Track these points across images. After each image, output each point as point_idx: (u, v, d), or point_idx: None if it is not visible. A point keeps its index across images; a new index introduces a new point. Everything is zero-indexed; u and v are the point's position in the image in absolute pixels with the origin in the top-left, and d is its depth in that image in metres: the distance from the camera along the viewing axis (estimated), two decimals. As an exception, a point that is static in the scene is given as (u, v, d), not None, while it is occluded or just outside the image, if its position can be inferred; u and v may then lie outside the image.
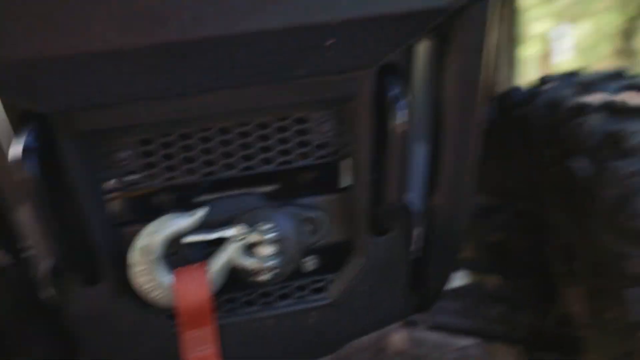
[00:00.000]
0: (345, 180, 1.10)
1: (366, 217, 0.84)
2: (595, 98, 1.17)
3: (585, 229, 1.10)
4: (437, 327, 1.31)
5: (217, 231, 0.76)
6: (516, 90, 1.35)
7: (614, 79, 1.25)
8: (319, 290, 0.90)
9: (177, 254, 0.79)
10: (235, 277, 0.83)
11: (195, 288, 0.72)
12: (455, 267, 0.99)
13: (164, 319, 0.85)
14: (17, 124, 0.70)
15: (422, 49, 0.83)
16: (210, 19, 0.61)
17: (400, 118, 0.73)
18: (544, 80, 1.33)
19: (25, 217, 0.77)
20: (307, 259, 0.90)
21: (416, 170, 0.94)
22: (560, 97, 1.20)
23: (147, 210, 0.98)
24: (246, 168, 0.81)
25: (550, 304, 1.41)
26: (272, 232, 0.76)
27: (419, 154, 0.97)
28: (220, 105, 0.74)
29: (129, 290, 0.83)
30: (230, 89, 0.68)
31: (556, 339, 1.40)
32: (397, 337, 2.27)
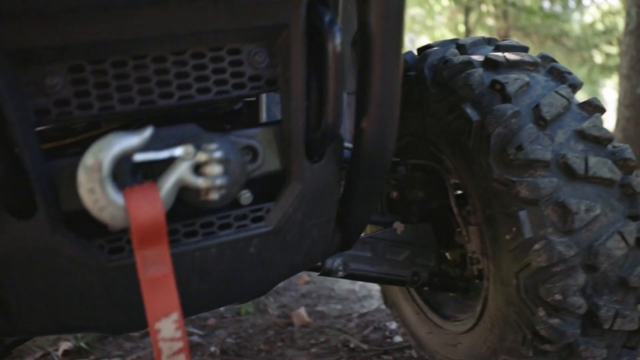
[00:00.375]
0: (269, 114, 1.15)
1: (302, 143, 0.89)
2: (476, 56, 1.34)
3: (478, 167, 1.25)
4: (351, 275, 1.40)
5: (166, 150, 0.77)
6: (407, 54, 1.49)
7: (484, 43, 1.44)
8: (258, 219, 0.93)
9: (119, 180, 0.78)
10: (179, 205, 0.84)
11: (147, 206, 0.73)
12: (377, 200, 1.07)
13: (102, 251, 0.84)
14: None
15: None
16: None
17: (336, 41, 0.80)
18: (429, 45, 1.48)
19: None
20: (243, 192, 0.93)
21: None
22: (447, 56, 1.36)
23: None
24: (183, 97, 0.83)
25: (448, 247, 1.56)
26: (219, 151, 0.79)
27: None
28: (153, 28, 0.75)
29: (64, 223, 0.80)
30: (173, 2, 0.70)
31: (454, 280, 1.56)
32: (300, 311, 2.34)
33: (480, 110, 1.24)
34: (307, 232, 1.00)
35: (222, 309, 2.48)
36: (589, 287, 1.14)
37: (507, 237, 1.20)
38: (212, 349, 2.08)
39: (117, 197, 0.73)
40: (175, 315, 0.75)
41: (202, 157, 0.78)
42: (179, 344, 0.76)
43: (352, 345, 2.04)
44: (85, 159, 0.72)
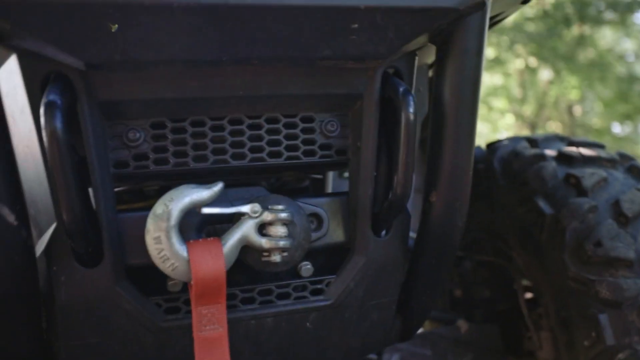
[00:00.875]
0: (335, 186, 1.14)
1: (368, 214, 0.87)
2: (549, 151, 1.31)
3: (551, 263, 1.18)
4: (409, 375, 1.30)
5: (234, 206, 0.77)
6: (475, 148, 1.48)
7: (556, 140, 1.42)
8: (318, 292, 0.90)
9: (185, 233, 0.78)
10: (239, 270, 0.82)
11: (210, 260, 0.71)
12: (443, 286, 1.01)
13: (159, 310, 0.82)
14: (41, 84, 0.71)
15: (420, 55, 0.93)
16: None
17: (410, 110, 0.80)
18: (498, 140, 1.47)
19: (35, 178, 0.75)
20: (303, 264, 0.91)
21: None
22: (518, 149, 1.34)
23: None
24: (255, 159, 0.84)
25: (516, 354, 1.44)
26: (285, 212, 0.78)
27: None
28: (235, 89, 0.79)
29: (125, 278, 0.80)
30: (256, 64, 0.74)
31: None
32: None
33: (554, 203, 1.19)
34: (367, 312, 0.95)
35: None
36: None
37: (586, 343, 1.10)
38: None
39: (182, 249, 0.72)
40: (225, 381, 0.71)
41: (268, 216, 0.77)
42: (227, 413, 0.71)
43: None
44: (156, 207, 0.73)
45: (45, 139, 0.68)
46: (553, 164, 1.24)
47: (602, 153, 1.27)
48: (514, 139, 1.45)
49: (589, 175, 1.19)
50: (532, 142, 1.37)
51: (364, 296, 0.92)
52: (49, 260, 0.77)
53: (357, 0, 0.72)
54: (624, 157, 1.31)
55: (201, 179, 0.84)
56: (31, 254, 0.75)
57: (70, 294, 0.78)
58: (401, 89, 0.81)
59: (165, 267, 0.72)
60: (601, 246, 1.08)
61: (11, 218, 0.70)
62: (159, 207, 0.72)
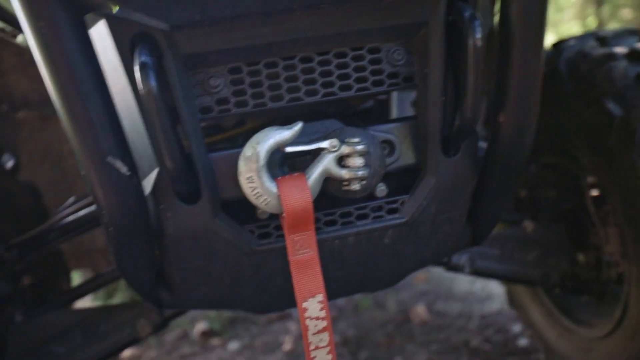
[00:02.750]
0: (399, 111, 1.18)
1: (438, 138, 0.92)
2: (620, 49, 1.27)
3: (620, 164, 1.19)
4: (477, 272, 1.39)
5: (315, 143, 0.83)
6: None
7: (628, 35, 1.36)
8: (393, 211, 0.97)
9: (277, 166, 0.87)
10: (321, 195, 0.90)
11: (297, 194, 0.79)
12: (512, 198, 1.06)
13: (254, 236, 0.92)
14: (130, 46, 0.77)
15: None
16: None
17: (477, 35, 0.81)
18: (564, 40, 1.43)
19: (133, 129, 0.83)
20: (378, 185, 0.97)
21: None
22: (585, 49, 1.30)
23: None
24: (327, 94, 0.89)
25: (582, 249, 1.50)
26: (361, 144, 0.84)
27: None
28: (304, 30, 0.82)
29: (221, 210, 0.90)
30: (324, 7, 0.76)
31: (588, 283, 1.49)
32: (420, 309, 2.35)
33: (624, 104, 1.18)
34: (439, 226, 1.02)
35: (341, 302, 2.56)
36: None
37: (653, 240, 1.14)
38: (335, 339, 2.16)
39: (272, 186, 0.80)
40: (321, 296, 0.82)
41: (346, 149, 0.84)
42: (324, 323, 0.82)
43: (473, 345, 2.01)
44: (245, 150, 0.80)
45: (143, 97, 0.75)
46: (623, 63, 1.21)
47: (676, 48, 1.22)
48: (582, 37, 1.41)
49: (662, 73, 1.16)
50: (601, 40, 1.33)
51: (436, 212, 0.99)
52: (156, 200, 0.87)
53: None
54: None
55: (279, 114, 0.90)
56: (142, 197, 0.85)
57: (176, 227, 0.88)
58: (467, 14, 0.82)
59: (259, 202, 0.81)
60: (672, 146, 1.09)
61: (124, 169, 0.80)
62: (248, 150, 0.80)
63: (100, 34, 0.79)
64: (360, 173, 0.84)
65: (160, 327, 1.24)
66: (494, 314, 2.29)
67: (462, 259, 1.38)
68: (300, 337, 2.20)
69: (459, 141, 0.93)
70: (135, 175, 0.83)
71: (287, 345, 2.16)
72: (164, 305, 1.02)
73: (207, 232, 0.89)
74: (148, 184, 0.86)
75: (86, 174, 0.80)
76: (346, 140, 0.85)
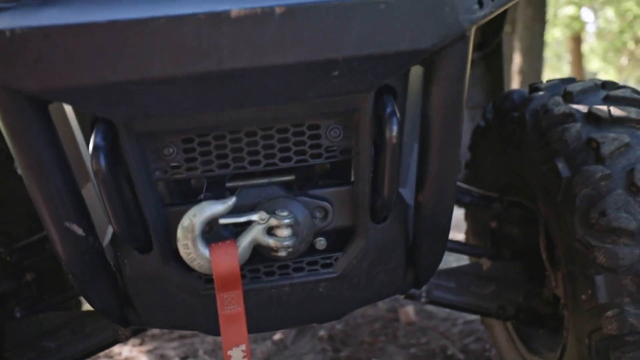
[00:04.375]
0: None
1: (366, 207, 1.02)
2: (580, 107, 1.31)
3: (563, 222, 1.26)
4: (434, 302, 1.50)
5: (245, 216, 0.96)
6: (515, 93, 1.50)
7: (597, 89, 1.39)
8: (327, 266, 1.09)
9: (212, 231, 1.00)
10: (259, 252, 1.03)
11: (227, 260, 0.93)
12: (443, 251, 1.16)
13: (200, 282, 1.06)
14: (89, 127, 0.91)
15: (416, 71, 0.99)
16: (243, 54, 0.80)
17: (392, 132, 0.91)
18: (539, 87, 1.47)
19: (95, 199, 0.98)
20: (318, 239, 1.09)
21: (412, 169, 1.13)
22: (550, 104, 1.35)
23: (187, 194, 1.19)
24: (269, 164, 1.01)
25: (537, 286, 1.58)
26: (288, 218, 0.96)
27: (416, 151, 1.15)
28: (248, 117, 0.93)
29: (174, 258, 1.04)
30: (257, 106, 0.87)
31: (543, 317, 1.58)
32: (408, 309, 2.47)
33: (571, 167, 1.24)
34: (375, 277, 1.14)
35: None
36: (661, 363, 1.12)
37: (583, 297, 1.22)
38: (321, 333, 2.32)
39: (205, 252, 0.94)
40: (244, 346, 0.96)
41: (273, 222, 0.96)
42: (245, 369, 0.96)
43: (449, 352, 2.14)
44: (183, 221, 0.93)
45: (94, 174, 0.89)
46: (578, 125, 1.26)
47: (632, 113, 1.26)
48: (552, 88, 1.45)
49: (610, 141, 1.21)
50: (566, 95, 1.37)
51: (369, 267, 1.11)
52: (114, 249, 1.02)
53: (335, 54, 0.81)
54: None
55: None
56: (97, 250, 1.00)
57: (132, 271, 1.04)
58: (387, 111, 0.91)
59: (193, 265, 0.95)
60: (605, 216, 1.15)
61: (79, 231, 0.95)
62: (185, 221, 0.93)
63: (67, 114, 0.93)
64: (286, 243, 0.96)
65: (139, 331, 1.41)
66: (477, 321, 2.39)
67: (419, 290, 1.49)
68: (291, 329, 2.37)
69: (383, 213, 1.03)
70: (91, 235, 0.97)
71: (277, 336, 2.34)
72: (132, 324, 1.19)
73: (158, 277, 1.04)
74: (107, 237, 1.01)
75: (48, 234, 0.95)
76: (276, 212, 0.97)
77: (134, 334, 1.41)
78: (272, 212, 0.97)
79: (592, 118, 1.28)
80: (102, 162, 0.87)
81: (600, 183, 1.18)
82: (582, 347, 1.25)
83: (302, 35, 0.79)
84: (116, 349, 2.37)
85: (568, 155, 1.26)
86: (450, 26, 0.82)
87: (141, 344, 2.41)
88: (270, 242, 0.96)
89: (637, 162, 1.18)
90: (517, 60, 7.98)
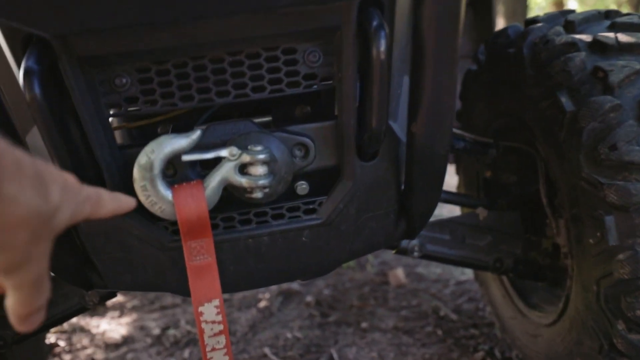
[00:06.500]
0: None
1: (352, 142, 0.90)
2: (583, 36, 1.20)
3: (567, 161, 1.15)
4: (427, 256, 1.39)
5: (212, 151, 0.83)
6: (510, 28, 1.38)
7: (600, 19, 1.27)
8: (310, 212, 0.97)
9: (177, 175, 0.87)
10: (232, 197, 0.90)
11: (193, 202, 0.80)
12: (439, 195, 1.05)
13: (166, 233, 0.93)
14: (22, 45, 0.76)
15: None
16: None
17: (380, 47, 0.78)
18: (536, 19, 1.35)
19: (34, 145, 0.84)
20: (300, 183, 0.97)
21: (402, 100, 1.00)
22: (550, 35, 1.23)
23: (150, 136, 1.05)
24: (239, 95, 0.87)
25: (536, 236, 1.48)
26: (263, 154, 0.83)
27: (405, 84, 1.02)
28: (211, 35, 0.79)
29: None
30: (219, 17, 0.73)
31: (542, 269, 1.48)
32: (398, 271, 2.38)
33: (576, 100, 1.13)
34: (364, 224, 1.02)
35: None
36: (676, 308, 1.03)
37: (591, 241, 1.12)
38: (309, 298, 2.22)
39: (167, 194, 0.81)
40: (217, 302, 0.84)
41: (246, 158, 0.83)
42: (220, 327, 0.84)
43: (442, 314, 2.05)
44: (139, 158, 0.80)
45: (28, 103, 0.75)
46: (582, 54, 1.15)
47: (642, 38, 1.15)
48: (551, 19, 1.33)
49: (619, 69, 1.09)
50: (567, 24, 1.25)
51: (357, 212, 0.99)
52: None
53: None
54: (670, 40, 1.17)
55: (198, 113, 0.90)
56: None
57: (86, 224, 0.91)
58: (374, 23, 0.78)
59: (154, 209, 0.82)
60: (616, 150, 1.04)
61: None
62: (142, 158, 0.80)
63: None
64: (261, 182, 0.84)
65: (108, 297, 1.29)
66: (470, 281, 2.30)
67: (411, 243, 1.38)
68: (277, 296, 2.26)
69: (371, 148, 0.91)
70: None
71: (263, 303, 2.23)
72: (95, 287, 1.06)
73: (117, 229, 0.91)
74: None
75: None
76: (249, 147, 0.84)
77: (103, 300, 1.29)
78: (244, 148, 0.84)
79: (597, 46, 1.16)
80: (36, 89, 0.73)
81: (610, 115, 1.07)
82: (589, 296, 1.15)
83: None
84: (94, 321, 2.25)
85: (572, 88, 1.14)
86: None
87: (120, 316, 2.29)
88: (243, 181, 0.83)
89: (650, 90, 1.07)
90: (500, 25, 7.88)
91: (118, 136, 1.22)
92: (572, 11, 1.37)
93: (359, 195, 0.96)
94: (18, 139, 0.83)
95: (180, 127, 0.99)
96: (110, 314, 2.31)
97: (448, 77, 0.83)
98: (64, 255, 0.96)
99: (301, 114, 1.10)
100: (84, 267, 1.01)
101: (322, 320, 2.06)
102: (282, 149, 0.87)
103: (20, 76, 0.74)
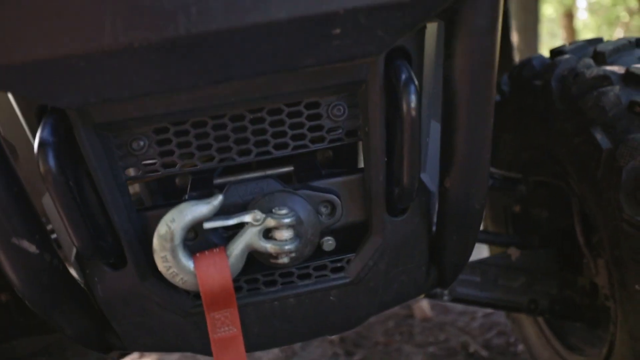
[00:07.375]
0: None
1: (382, 198, 0.85)
2: (615, 68, 1.14)
3: (606, 200, 1.09)
4: (458, 300, 1.33)
5: (235, 217, 0.78)
6: (535, 59, 1.32)
7: (632, 47, 1.22)
8: (338, 270, 0.92)
9: (198, 238, 0.82)
10: (256, 260, 0.86)
11: (216, 272, 0.75)
12: (473, 246, 0.99)
13: (187, 298, 0.89)
14: (35, 115, 0.73)
15: (432, 30, 0.82)
16: (216, 12, 0.62)
17: (410, 103, 0.73)
18: (562, 50, 1.30)
19: (50, 207, 0.80)
20: (325, 239, 0.92)
21: (433, 150, 0.95)
22: (579, 67, 1.18)
23: (170, 195, 1.01)
24: (261, 153, 0.83)
25: (572, 274, 1.41)
26: (288, 217, 0.78)
27: (434, 130, 0.97)
28: (231, 95, 0.75)
29: (153, 272, 0.87)
30: (240, 79, 0.69)
31: (581, 309, 1.41)
32: (423, 304, 2.31)
33: (612, 137, 1.07)
34: (394, 278, 0.97)
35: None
36: None
37: (637, 287, 1.05)
38: (332, 336, 2.15)
39: (188, 264, 0.76)
40: (243, 373, 0.78)
41: (271, 222, 0.78)
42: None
43: (471, 350, 1.97)
44: (159, 228, 0.76)
45: (42, 176, 0.71)
46: (616, 88, 1.09)
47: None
48: (579, 49, 1.27)
49: (658, 103, 1.04)
50: (597, 55, 1.20)
51: (387, 268, 0.93)
52: (81, 267, 0.85)
53: (334, 5, 0.63)
54: None
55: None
56: (60, 270, 0.82)
57: (105, 291, 0.86)
58: (403, 77, 0.73)
59: (175, 281, 0.77)
60: (660, 191, 0.98)
61: (32, 248, 0.77)
62: (162, 228, 0.76)
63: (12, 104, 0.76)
64: (287, 247, 0.79)
65: (127, 354, 1.24)
66: (497, 313, 2.22)
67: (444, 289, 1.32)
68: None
69: (402, 204, 0.85)
70: (47, 251, 0.80)
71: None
72: (114, 349, 1.02)
73: (137, 296, 0.86)
74: (71, 252, 0.84)
75: None
76: (273, 210, 0.79)
77: (122, 356, 1.24)
78: (268, 211, 0.79)
79: (631, 79, 1.10)
80: (51, 162, 0.70)
81: (650, 153, 1.01)
82: (638, 345, 1.08)
83: None
84: (113, 366, 2.20)
85: (607, 124, 1.08)
86: None
87: (140, 357, 2.24)
88: (269, 247, 0.78)
89: (693, 127, 1.01)
90: (512, 38, 7.85)
91: (133, 189, 1.18)
92: (600, 40, 1.32)
93: (389, 252, 0.90)
94: (28, 201, 0.79)
95: (198, 180, 0.95)
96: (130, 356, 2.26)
97: (483, 130, 0.78)
98: (81, 321, 0.92)
99: (323, 158, 1.06)
100: (102, 331, 0.97)
101: (347, 359, 1.99)
102: (307, 209, 0.83)
103: (35, 146, 0.70)
